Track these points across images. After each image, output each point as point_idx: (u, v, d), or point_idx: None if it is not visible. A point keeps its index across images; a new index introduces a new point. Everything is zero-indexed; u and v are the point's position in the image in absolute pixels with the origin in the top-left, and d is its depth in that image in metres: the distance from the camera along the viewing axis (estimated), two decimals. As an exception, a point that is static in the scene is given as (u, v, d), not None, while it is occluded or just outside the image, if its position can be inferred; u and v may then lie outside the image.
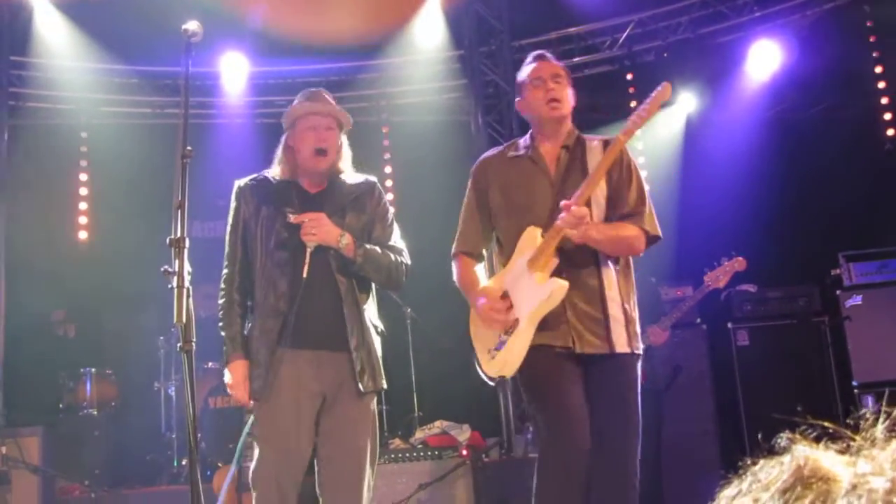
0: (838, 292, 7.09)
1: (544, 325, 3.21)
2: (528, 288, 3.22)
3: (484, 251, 3.58)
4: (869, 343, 6.83)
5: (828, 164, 7.69)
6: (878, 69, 8.12)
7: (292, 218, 3.43)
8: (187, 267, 2.64)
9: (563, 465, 3.12)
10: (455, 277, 3.58)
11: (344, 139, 3.65)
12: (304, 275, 3.38)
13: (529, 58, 3.55)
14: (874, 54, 8.15)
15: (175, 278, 2.59)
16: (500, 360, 3.28)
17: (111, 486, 6.26)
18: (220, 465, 6.15)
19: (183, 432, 6.73)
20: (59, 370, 7.12)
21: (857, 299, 6.98)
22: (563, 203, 3.13)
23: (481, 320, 3.35)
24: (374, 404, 3.54)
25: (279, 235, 3.47)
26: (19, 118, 8.39)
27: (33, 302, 7.68)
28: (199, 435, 2.45)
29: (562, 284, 3.17)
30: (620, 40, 8.79)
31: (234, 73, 8.69)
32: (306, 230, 3.39)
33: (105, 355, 7.53)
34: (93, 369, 6.99)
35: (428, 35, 8.74)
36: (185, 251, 2.64)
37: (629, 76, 8.81)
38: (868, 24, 8.10)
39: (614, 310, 3.25)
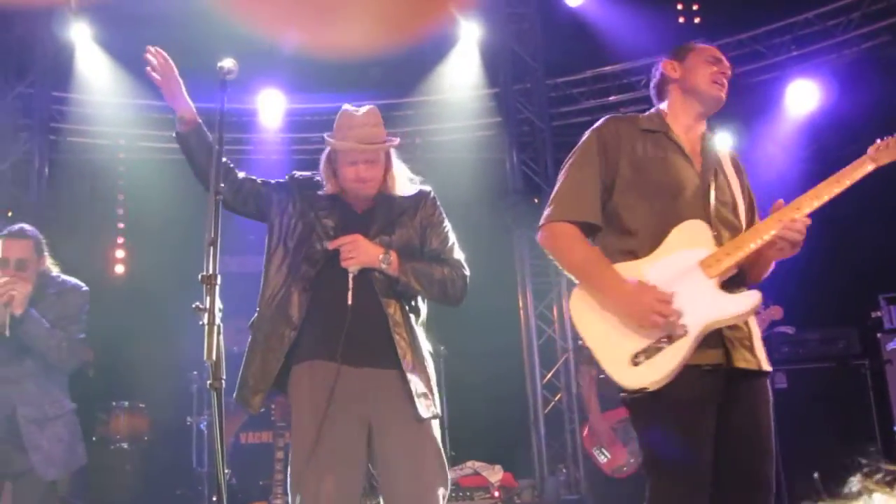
0: (879, 335, 6.96)
1: None
2: (706, 293, 2.72)
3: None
4: (911, 387, 6.68)
5: (867, 204, 7.56)
6: (918, 108, 8.03)
7: (329, 245, 3.27)
8: (218, 304, 2.62)
9: None
10: (564, 251, 2.91)
11: (393, 154, 3.44)
12: (350, 301, 3.20)
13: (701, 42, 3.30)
14: (914, 93, 8.06)
15: (206, 315, 2.57)
16: (653, 371, 2.67)
17: (141, 521, 6.26)
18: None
19: (214, 468, 6.71)
20: (92, 402, 7.15)
21: (897, 342, 6.85)
22: (787, 208, 2.84)
23: (634, 316, 2.71)
24: (436, 430, 3.26)
25: (317, 263, 3.31)
26: (59, 152, 8.53)
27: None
28: (229, 471, 2.40)
29: (758, 300, 2.75)
30: (656, 79, 8.75)
31: (271, 108, 8.78)
32: (345, 255, 3.22)
33: (138, 389, 7.55)
34: (126, 402, 7.02)
35: (463, 72, 8.80)
36: (217, 288, 2.62)
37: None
38: (907, 62, 8.03)
39: (756, 326, 2.92)
